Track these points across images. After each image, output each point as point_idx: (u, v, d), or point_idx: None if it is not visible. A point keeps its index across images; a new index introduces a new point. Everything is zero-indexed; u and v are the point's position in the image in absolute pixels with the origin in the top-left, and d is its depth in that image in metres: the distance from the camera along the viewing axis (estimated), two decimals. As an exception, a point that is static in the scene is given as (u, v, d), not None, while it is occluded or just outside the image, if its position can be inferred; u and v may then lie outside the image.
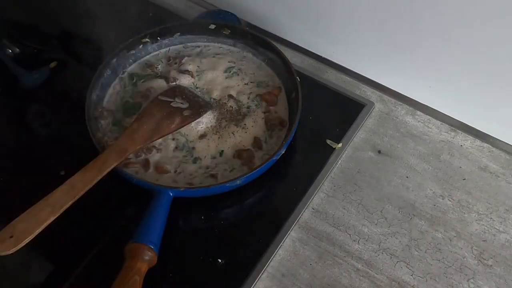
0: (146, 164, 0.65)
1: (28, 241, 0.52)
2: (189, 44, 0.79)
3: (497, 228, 0.63)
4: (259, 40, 0.76)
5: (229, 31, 0.78)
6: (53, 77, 0.79)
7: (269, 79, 0.75)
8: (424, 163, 0.69)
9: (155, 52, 0.78)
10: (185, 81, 0.73)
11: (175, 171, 0.65)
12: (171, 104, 0.67)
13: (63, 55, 0.80)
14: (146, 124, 0.64)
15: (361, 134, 0.72)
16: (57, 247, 0.62)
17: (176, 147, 0.67)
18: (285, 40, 0.84)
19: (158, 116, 0.65)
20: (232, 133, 0.68)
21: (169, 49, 0.78)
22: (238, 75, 0.75)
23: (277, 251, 0.61)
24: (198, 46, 0.79)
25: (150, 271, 0.55)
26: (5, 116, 0.77)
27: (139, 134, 0.63)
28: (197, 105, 0.68)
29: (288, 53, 0.80)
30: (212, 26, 0.78)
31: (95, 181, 0.57)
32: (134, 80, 0.74)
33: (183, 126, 0.66)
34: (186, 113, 0.67)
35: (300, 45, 0.84)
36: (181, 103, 0.67)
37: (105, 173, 0.58)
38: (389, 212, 0.65)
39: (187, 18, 0.86)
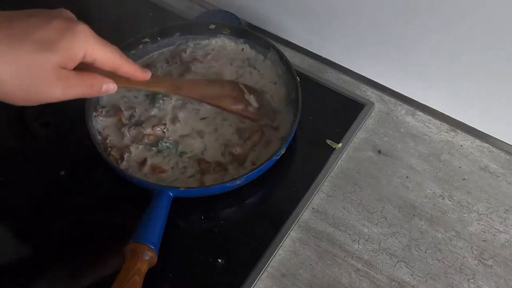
0: (143, 163, 0.65)
1: None
2: (189, 44, 0.79)
3: (497, 228, 0.64)
4: (259, 40, 0.76)
5: (229, 31, 0.78)
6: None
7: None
8: (424, 163, 0.69)
9: (155, 52, 0.78)
10: (185, 81, 0.73)
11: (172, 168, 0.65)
12: (244, 95, 0.68)
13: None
14: (213, 89, 0.65)
15: (361, 134, 0.72)
16: (57, 247, 0.62)
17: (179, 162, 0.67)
18: (285, 40, 0.84)
19: (227, 92, 0.66)
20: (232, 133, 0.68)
21: (169, 49, 0.78)
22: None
23: (277, 251, 0.61)
24: (199, 46, 0.79)
25: (150, 271, 0.55)
26: (5, 116, 0.76)
27: (201, 89, 0.64)
28: (263, 114, 0.68)
29: (288, 53, 0.80)
30: (212, 26, 0.78)
31: (136, 86, 0.56)
32: None
33: (238, 114, 0.67)
34: (251, 109, 0.67)
35: (300, 45, 0.84)
36: (253, 102, 0.68)
37: (149, 88, 0.58)
38: (389, 212, 0.65)
39: (187, 18, 0.86)
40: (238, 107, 0.66)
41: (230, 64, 0.76)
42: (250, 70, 0.75)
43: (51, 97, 0.46)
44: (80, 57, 0.46)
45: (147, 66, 0.76)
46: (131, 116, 0.70)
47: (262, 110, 0.69)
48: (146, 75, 0.54)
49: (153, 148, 0.66)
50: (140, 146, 0.67)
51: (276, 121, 0.69)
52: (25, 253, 0.62)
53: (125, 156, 0.65)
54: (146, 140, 0.67)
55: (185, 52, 0.77)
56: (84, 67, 0.47)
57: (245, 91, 0.68)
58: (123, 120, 0.69)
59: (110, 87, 0.50)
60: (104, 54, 0.48)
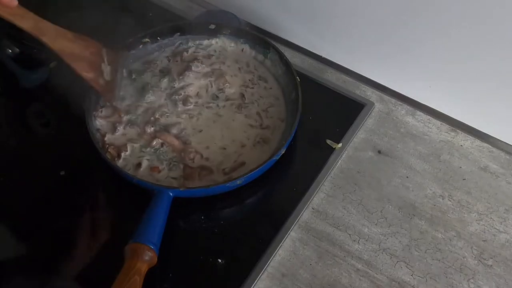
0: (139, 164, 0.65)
1: None
2: (189, 44, 0.79)
3: (497, 228, 0.63)
4: (259, 40, 0.76)
5: (229, 31, 0.78)
6: (53, 77, 0.79)
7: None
8: (424, 163, 0.69)
9: (155, 52, 0.78)
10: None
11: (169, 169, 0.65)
12: (102, 63, 0.66)
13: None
14: (75, 46, 0.63)
15: (361, 134, 0.72)
16: (57, 247, 0.62)
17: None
18: (285, 40, 0.84)
19: (86, 54, 0.65)
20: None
21: (170, 49, 0.78)
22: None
23: (277, 251, 0.61)
24: (200, 46, 0.79)
25: (150, 271, 0.55)
26: (5, 116, 0.77)
27: (64, 42, 0.62)
28: (110, 90, 0.67)
29: (288, 53, 0.80)
30: (212, 26, 0.78)
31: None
32: (133, 77, 0.74)
33: (86, 82, 0.65)
34: (101, 80, 0.66)
35: (300, 45, 0.84)
36: (106, 74, 0.66)
37: (11, 19, 0.57)
38: (389, 212, 0.65)
39: (187, 18, 0.86)
40: (89, 75, 0.64)
41: (235, 62, 0.76)
42: (264, 85, 0.74)
43: None
44: None
45: (147, 62, 0.76)
46: (131, 115, 0.70)
47: (111, 85, 0.67)
48: (11, 2, 0.54)
49: (148, 148, 0.66)
50: (136, 145, 0.67)
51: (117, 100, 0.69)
52: (24, 253, 0.62)
53: (122, 154, 0.65)
54: (142, 140, 0.67)
55: (187, 51, 0.77)
56: None
57: (105, 59, 0.67)
58: (123, 118, 0.69)
59: None
60: None
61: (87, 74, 0.64)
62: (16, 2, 0.55)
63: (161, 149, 0.66)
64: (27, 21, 0.58)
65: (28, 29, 0.59)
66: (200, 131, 0.69)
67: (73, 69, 0.63)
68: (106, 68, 0.67)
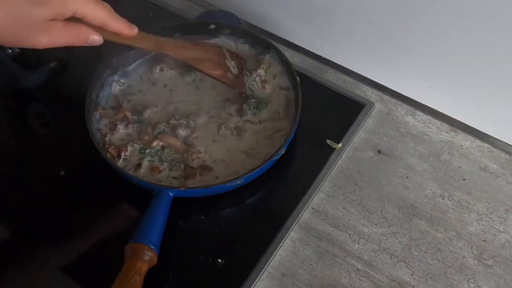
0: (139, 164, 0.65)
1: None
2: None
3: (497, 228, 0.64)
4: (259, 40, 0.76)
5: (229, 31, 0.78)
6: (53, 77, 0.79)
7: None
8: (424, 163, 0.69)
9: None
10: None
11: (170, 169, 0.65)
12: (226, 60, 0.70)
13: (63, 55, 0.80)
14: (195, 52, 0.68)
15: (361, 134, 0.72)
16: (57, 247, 0.62)
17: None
18: (285, 40, 0.84)
19: (208, 56, 0.69)
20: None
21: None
22: None
23: (277, 251, 0.61)
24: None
25: (150, 271, 0.55)
26: (5, 116, 0.77)
27: (184, 51, 0.67)
28: (240, 81, 0.71)
29: (288, 53, 0.80)
30: (212, 26, 0.78)
31: (123, 41, 0.57)
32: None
33: (216, 79, 0.69)
34: (229, 75, 0.70)
35: (300, 45, 0.84)
36: (232, 68, 0.70)
37: (134, 44, 0.59)
38: (389, 212, 0.65)
39: (187, 18, 0.86)
40: (217, 72, 0.69)
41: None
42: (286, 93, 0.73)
43: (36, 44, 0.49)
44: (69, 14, 0.48)
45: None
46: (134, 114, 0.70)
47: (240, 77, 0.71)
48: (132, 32, 0.56)
49: (148, 150, 0.66)
50: (136, 146, 0.67)
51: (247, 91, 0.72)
52: (24, 254, 0.62)
53: (122, 154, 0.65)
54: (142, 140, 0.67)
55: None
56: (73, 18, 0.50)
57: (227, 56, 0.71)
58: (128, 117, 0.69)
59: (95, 39, 0.53)
60: (93, 12, 0.50)
61: (215, 72, 0.69)
62: (136, 30, 0.56)
63: (163, 150, 0.66)
64: (149, 43, 0.61)
65: (150, 49, 0.63)
66: (214, 141, 0.68)
67: (202, 71, 0.68)
68: (231, 63, 0.71)
